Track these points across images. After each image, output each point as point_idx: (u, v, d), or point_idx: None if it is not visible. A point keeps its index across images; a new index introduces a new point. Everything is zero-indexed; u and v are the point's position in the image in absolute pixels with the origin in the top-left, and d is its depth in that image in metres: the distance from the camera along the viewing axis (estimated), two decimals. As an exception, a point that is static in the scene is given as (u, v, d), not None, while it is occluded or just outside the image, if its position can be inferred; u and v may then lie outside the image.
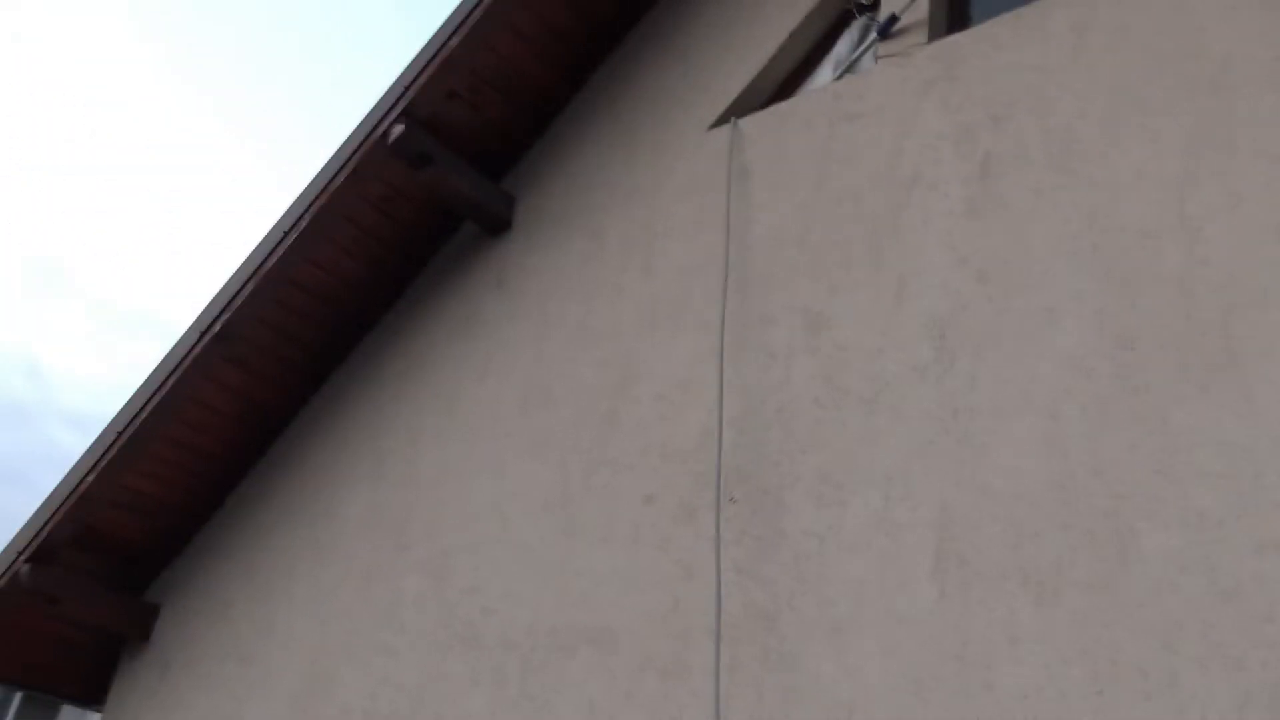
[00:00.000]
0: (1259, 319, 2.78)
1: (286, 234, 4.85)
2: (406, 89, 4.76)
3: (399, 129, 4.71)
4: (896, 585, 3.03)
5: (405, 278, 5.22)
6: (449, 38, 4.74)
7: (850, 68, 4.19)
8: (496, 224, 4.99)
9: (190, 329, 4.97)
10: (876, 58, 4.08)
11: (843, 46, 4.33)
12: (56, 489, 4.98)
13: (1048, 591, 2.79)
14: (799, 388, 3.56)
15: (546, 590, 3.81)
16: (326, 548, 4.73)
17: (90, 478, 4.91)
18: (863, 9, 4.28)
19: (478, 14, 4.72)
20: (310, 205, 4.82)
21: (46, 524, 4.95)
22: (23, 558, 4.92)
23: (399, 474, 4.65)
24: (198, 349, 4.91)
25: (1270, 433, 2.65)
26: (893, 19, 4.03)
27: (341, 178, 4.84)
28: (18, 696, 9.62)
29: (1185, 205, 3.03)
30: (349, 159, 4.84)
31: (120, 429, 4.94)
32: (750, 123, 4.32)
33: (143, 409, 4.93)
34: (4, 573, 4.95)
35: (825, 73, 4.37)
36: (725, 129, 4.37)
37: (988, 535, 2.95)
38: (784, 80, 4.49)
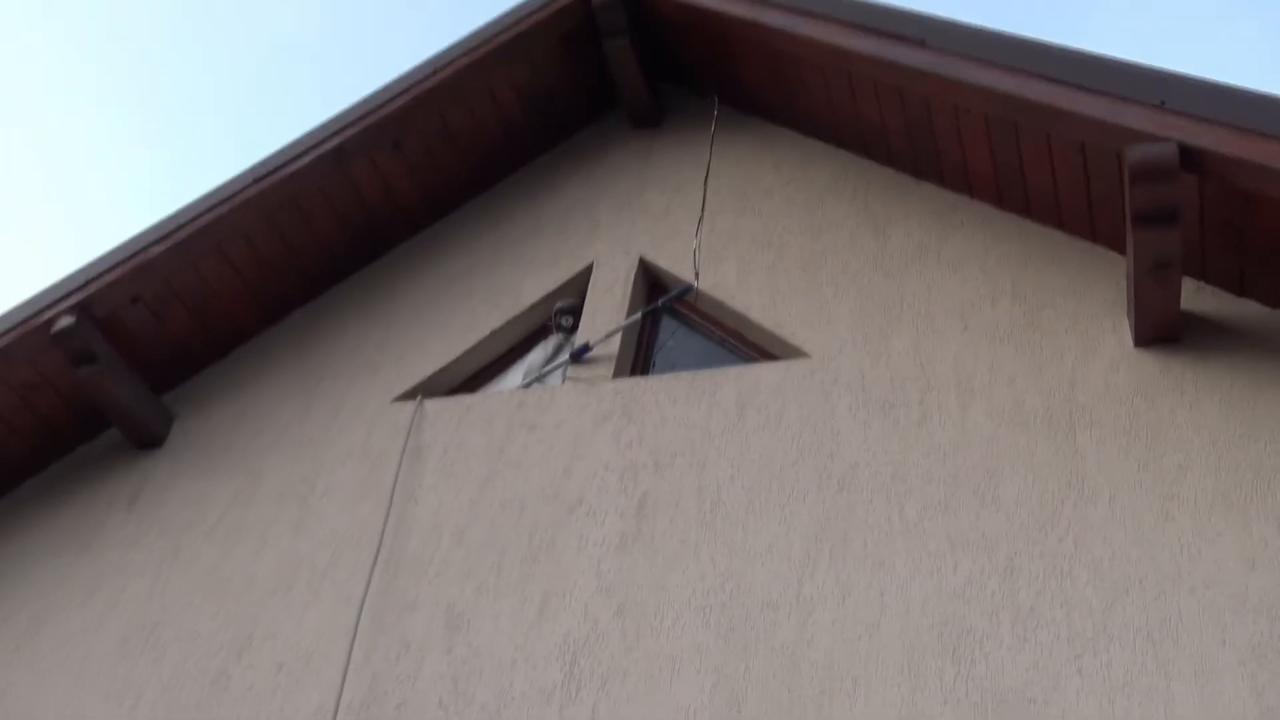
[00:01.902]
0: (847, 704, 3.10)
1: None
2: (88, 282, 4.56)
3: (67, 320, 4.46)
4: None
5: (25, 473, 4.78)
6: (151, 244, 4.63)
7: (539, 379, 4.44)
8: (146, 438, 4.74)
9: None
10: (564, 377, 4.37)
11: (536, 357, 4.60)
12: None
13: None
14: (426, 685, 3.53)
15: None
16: None
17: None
18: (561, 329, 4.61)
19: (189, 229, 4.67)
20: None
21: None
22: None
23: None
24: None
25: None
26: (586, 347, 4.36)
27: (-15, 353, 4.48)
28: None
29: (803, 586, 3.39)
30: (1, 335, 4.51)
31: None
32: (435, 405, 4.44)
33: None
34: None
35: (515, 377, 4.61)
36: (409, 404, 4.46)
37: None
38: (475, 373, 4.69)
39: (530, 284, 4.78)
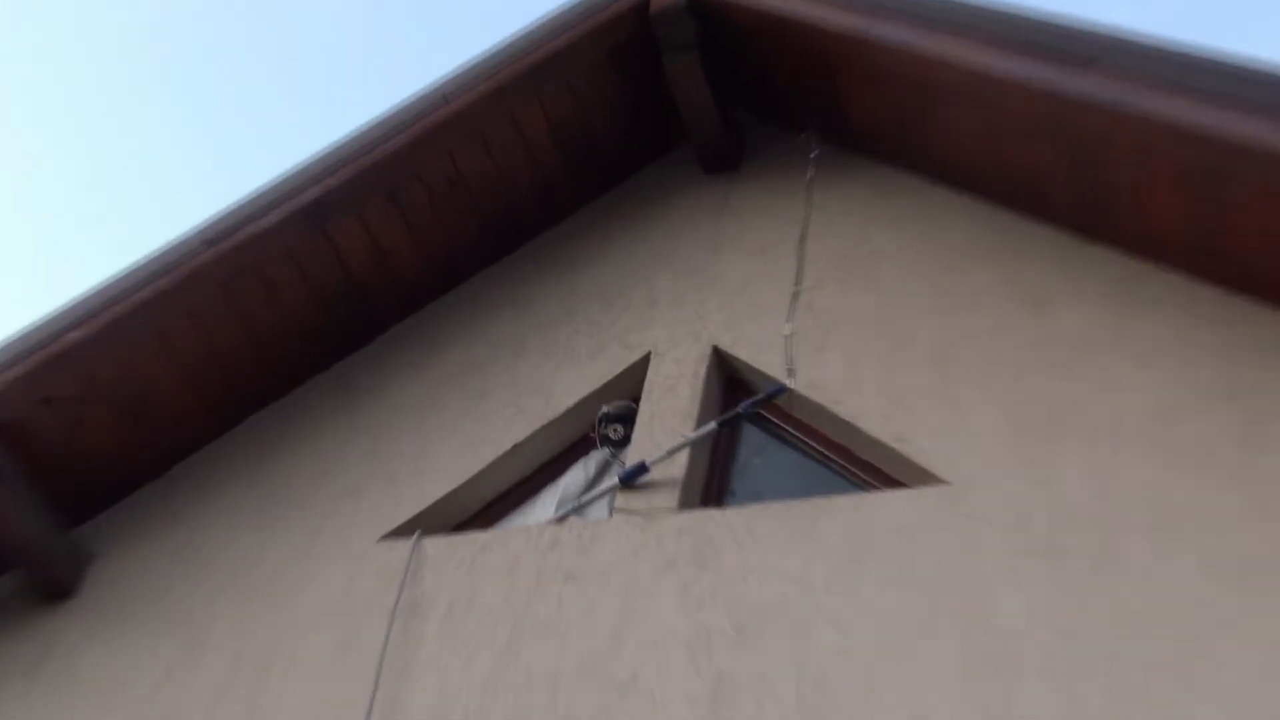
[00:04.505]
0: None
1: None
2: (-17, 379, 4.61)
3: (-47, 430, 4.51)
4: None
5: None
6: (68, 329, 4.68)
7: (577, 510, 4.39)
8: (53, 587, 4.77)
9: None
10: (612, 509, 4.31)
11: (573, 480, 4.59)
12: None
13: None
14: None
15: None
16: None
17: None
18: (608, 442, 4.56)
19: (119, 308, 4.73)
20: None
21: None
22: None
23: None
24: None
25: None
26: (641, 468, 4.30)
27: None
28: None
29: (944, 807, 3.24)
30: None
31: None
32: (437, 545, 4.41)
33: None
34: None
35: (545, 506, 4.58)
36: (403, 543, 4.45)
37: None
38: (491, 501, 4.68)
39: (565, 381, 4.80)
